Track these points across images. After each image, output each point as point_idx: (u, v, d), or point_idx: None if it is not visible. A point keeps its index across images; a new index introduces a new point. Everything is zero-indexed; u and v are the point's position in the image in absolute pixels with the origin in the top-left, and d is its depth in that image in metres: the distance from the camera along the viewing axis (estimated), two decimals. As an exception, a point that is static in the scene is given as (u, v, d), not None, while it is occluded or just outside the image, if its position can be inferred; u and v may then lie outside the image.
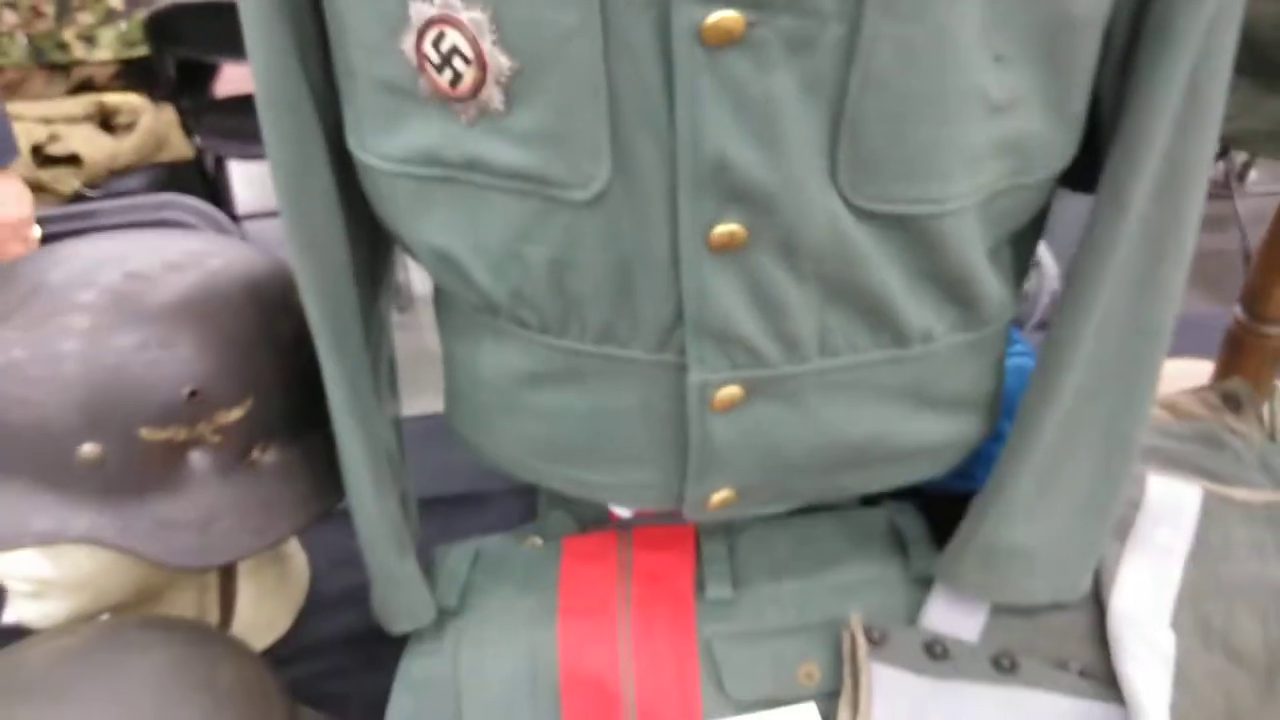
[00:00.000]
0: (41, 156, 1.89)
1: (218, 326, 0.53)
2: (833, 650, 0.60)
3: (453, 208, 0.47)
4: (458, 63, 0.41)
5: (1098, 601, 0.62)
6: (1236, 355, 0.75)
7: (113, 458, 0.50)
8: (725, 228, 0.43)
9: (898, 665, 0.58)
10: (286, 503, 0.56)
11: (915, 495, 0.68)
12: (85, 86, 2.16)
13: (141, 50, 2.18)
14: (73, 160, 1.90)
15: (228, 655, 0.50)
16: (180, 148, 2.13)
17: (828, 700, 0.57)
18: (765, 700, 0.57)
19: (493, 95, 0.42)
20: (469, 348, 0.55)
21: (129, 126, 2.03)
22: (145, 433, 0.50)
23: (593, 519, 0.69)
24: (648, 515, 0.66)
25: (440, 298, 0.57)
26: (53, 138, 1.91)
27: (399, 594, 0.59)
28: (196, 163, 2.21)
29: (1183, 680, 0.57)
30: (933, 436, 0.55)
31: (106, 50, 2.17)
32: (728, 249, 0.44)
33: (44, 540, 0.50)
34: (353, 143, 0.48)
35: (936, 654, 0.58)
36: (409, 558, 0.59)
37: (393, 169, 0.47)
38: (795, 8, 0.38)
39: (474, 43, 0.40)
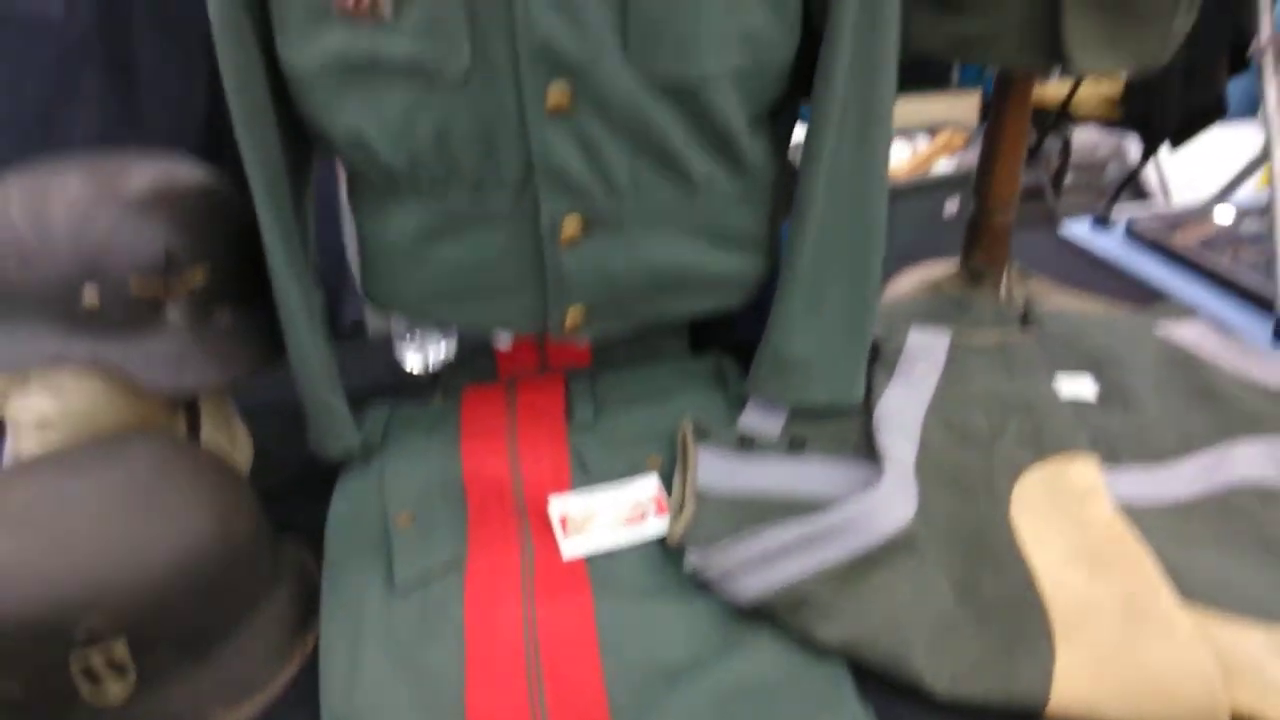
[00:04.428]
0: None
1: (182, 207, 0.69)
2: (671, 448, 0.79)
3: (361, 97, 0.65)
4: None
5: (869, 412, 0.83)
6: (975, 237, 0.98)
7: (107, 304, 0.66)
8: (555, 95, 0.63)
9: (716, 449, 0.77)
10: (240, 352, 0.72)
11: (735, 352, 0.88)
12: None
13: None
14: None
15: (208, 450, 0.67)
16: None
17: (666, 480, 0.76)
18: (621, 478, 0.76)
19: (384, 7, 0.61)
20: (379, 221, 0.73)
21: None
22: (134, 284, 0.67)
23: (483, 379, 0.86)
24: (525, 364, 0.85)
25: (354, 191, 0.75)
26: None
27: (332, 422, 0.75)
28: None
29: (924, 447, 0.78)
30: (727, 268, 0.76)
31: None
32: (559, 112, 0.63)
33: (54, 360, 0.65)
34: (284, 55, 0.66)
35: (745, 443, 0.78)
36: (338, 392, 0.75)
37: (315, 72, 0.65)
38: None
39: None
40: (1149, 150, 2.50)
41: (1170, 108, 2.20)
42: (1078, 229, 1.24)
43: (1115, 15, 0.76)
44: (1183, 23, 0.83)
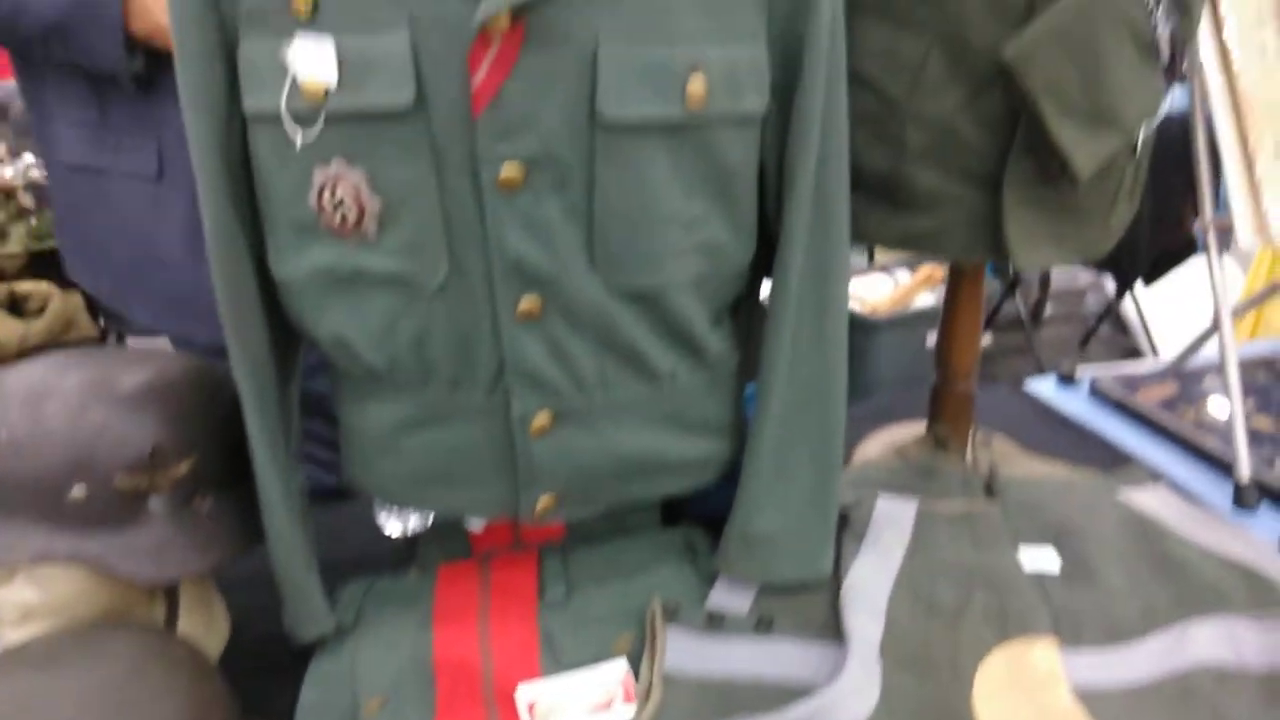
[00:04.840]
0: (-45, 340, 2.04)
1: (171, 402, 0.73)
2: (641, 627, 0.80)
3: (345, 305, 0.69)
4: (345, 208, 0.65)
5: (838, 582, 0.84)
6: (939, 405, 1.01)
7: (94, 499, 0.69)
8: (526, 304, 0.67)
9: (685, 629, 0.78)
10: (220, 538, 0.75)
11: (707, 523, 0.91)
12: (-4, 276, 2.33)
13: (49, 244, 2.38)
14: (-15, 342, 2.05)
15: (183, 641, 0.68)
16: (87, 328, 2.30)
17: (635, 661, 0.77)
18: (590, 662, 0.77)
19: (369, 227, 0.65)
20: (359, 413, 0.76)
21: (39, 310, 2.20)
22: (119, 479, 0.69)
23: (458, 552, 0.88)
24: (499, 540, 0.86)
25: (336, 384, 0.78)
26: (-35, 323, 2.07)
27: (306, 604, 0.77)
28: (101, 341, 2.38)
29: (891, 625, 0.79)
30: (694, 453, 0.79)
31: (17, 244, 2.36)
32: (530, 318, 0.68)
33: (38, 557, 0.67)
34: (273, 265, 0.71)
35: (714, 622, 0.79)
36: (314, 574, 0.77)
37: (302, 281, 0.70)
38: (553, 162, 0.63)
39: (356, 192, 0.64)
40: (1121, 289, 2.58)
41: (1140, 250, 2.28)
42: (1043, 387, 1.28)
43: (1055, 213, 0.81)
44: (1123, 214, 0.89)
